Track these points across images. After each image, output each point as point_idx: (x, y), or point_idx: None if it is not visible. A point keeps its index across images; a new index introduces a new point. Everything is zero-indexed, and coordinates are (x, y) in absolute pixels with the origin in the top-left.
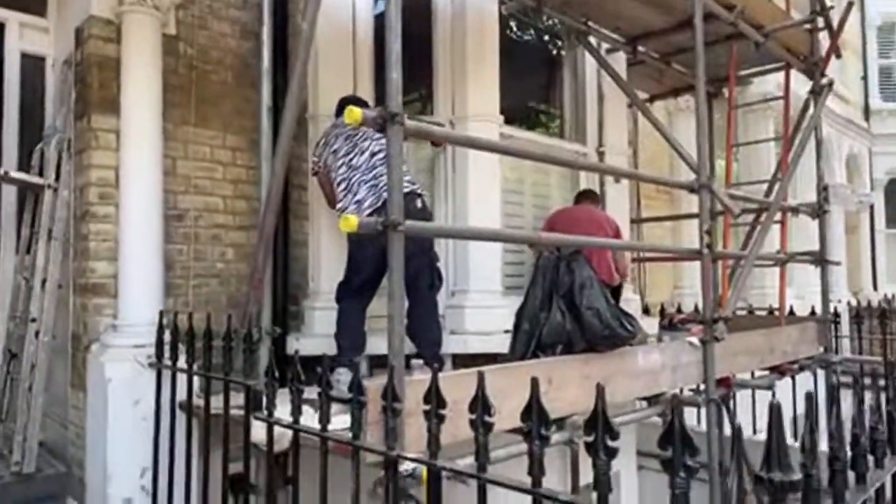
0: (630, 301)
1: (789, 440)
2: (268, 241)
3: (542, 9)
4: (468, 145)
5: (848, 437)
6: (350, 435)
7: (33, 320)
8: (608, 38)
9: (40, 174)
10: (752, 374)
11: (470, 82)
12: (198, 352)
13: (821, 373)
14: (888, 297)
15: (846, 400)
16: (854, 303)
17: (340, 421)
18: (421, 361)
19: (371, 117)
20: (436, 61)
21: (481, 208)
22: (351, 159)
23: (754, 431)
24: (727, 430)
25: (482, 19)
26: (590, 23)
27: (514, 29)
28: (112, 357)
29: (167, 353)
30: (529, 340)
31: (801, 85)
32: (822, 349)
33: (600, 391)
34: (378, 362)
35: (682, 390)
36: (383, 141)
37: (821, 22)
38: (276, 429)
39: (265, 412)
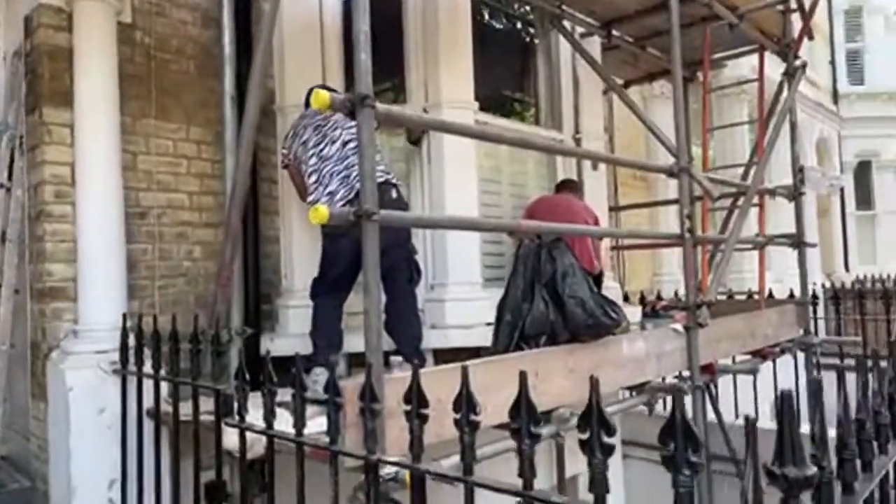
0: (610, 289)
1: (770, 424)
2: (235, 237)
3: None
4: (443, 130)
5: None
6: (327, 439)
7: None
8: (583, 21)
9: None
10: (734, 359)
11: (443, 68)
12: (165, 356)
13: (800, 355)
14: (860, 279)
15: (831, 384)
16: (828, 284)
17: (318, 423)
18: (400, 358)
19: (339, 101)
20: (407, 47)
21: (458, 198)
22: (321, 150)
23: (736, 416)
24: (710, 417)
25: (454, 2)
26: (564, 6)
27: (487, 16)
28: (73, 364)
29: (132, 359)
30: (512, 332)
31: (774, 69)
32: (801, 331)
33: (594, 384)
34: (357, 361)
35: (663, 378)
36: (354, 130)
37: (793, 3)
38: (250, 434)
39: (236, 417)
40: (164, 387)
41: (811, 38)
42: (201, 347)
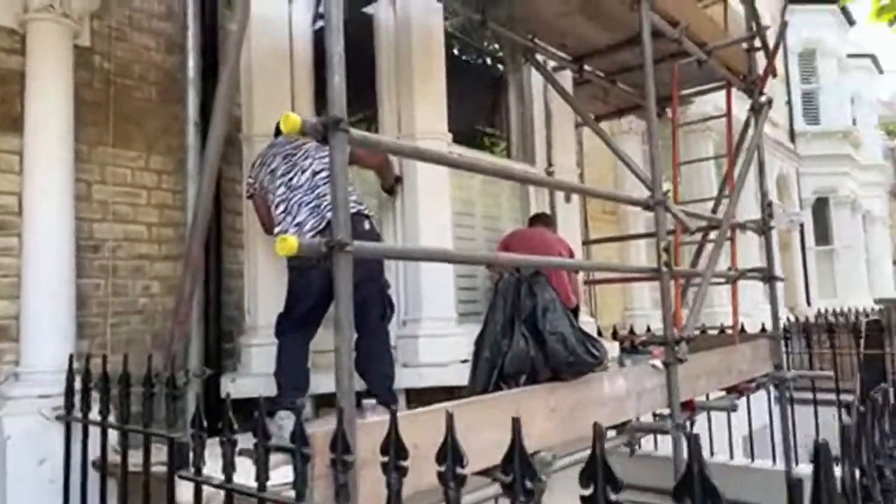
0: (585, 324)
1: (745, 460)
2: (195, 270)
3: (487, 23)
4: (417, 157)
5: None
6: (293, 493)
7: None
8: (555, 56)
9: None
10: (707, 395)
11: (417, 98)
12: (114, 400)
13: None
14: (830, 312)
15: (806, 418)
16: (792, 318)
17: (283, 474)
18: (373, 401)
19: (311, 124)
20: (380, 78)
21: (433, 231)
22: (290, 179)
23: (711, 453)
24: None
25: (428, 33)
26: (536, 40)
27: (458, 51)
28: (12, 410)
29: (78, 404)
30: (491, 370)
31: (739, 106)
32: (774, 366)
33: (598, 433)
34: (324, 401)
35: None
36: (326, 160)
37: (757, 42)
38: (206, 488)
39: (192, 469)
40: (113, 435)
41: (775, 75)
42: (154, 391)
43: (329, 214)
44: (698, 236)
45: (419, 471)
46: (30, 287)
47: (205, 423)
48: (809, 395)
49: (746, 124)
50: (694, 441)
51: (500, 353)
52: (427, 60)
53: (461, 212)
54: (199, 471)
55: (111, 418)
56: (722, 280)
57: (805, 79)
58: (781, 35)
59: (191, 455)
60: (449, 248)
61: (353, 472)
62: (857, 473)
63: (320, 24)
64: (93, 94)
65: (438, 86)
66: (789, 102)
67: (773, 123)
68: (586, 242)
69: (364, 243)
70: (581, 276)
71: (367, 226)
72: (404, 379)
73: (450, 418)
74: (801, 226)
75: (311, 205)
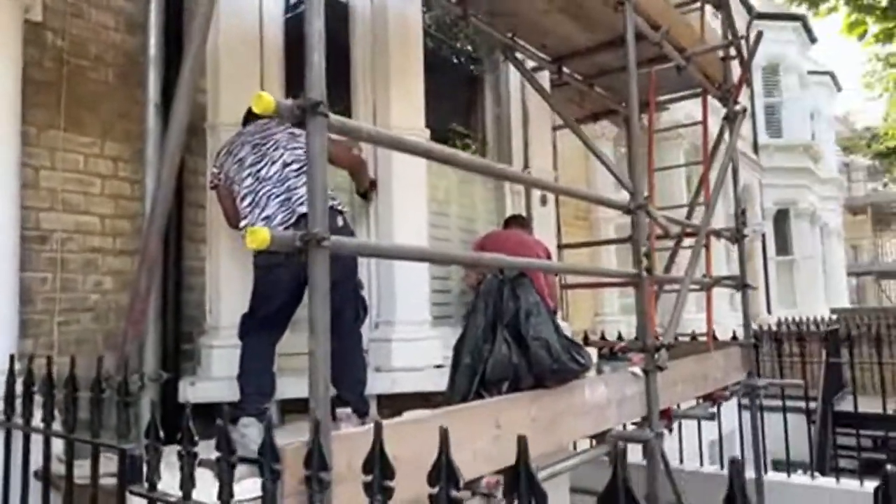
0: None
1: (713, 467)
2: (152, 264)
3: (467, 17)
4: (396, 147)
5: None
6: None
7: None
8: (534, 56)
9: None
10: (678, 404)
11: (393, 92)
12: (59, 405)
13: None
14: (782, 321)
15: (776, 424)
16: (755, 327)
17: (247, 488)
18: (349, 409)
19: (287, 106)
20: (354, 70)
21: (408, 230)
22: (259, 170)
23: (681, 461)
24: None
25: (405, 23)
26: (516, 38)
27: (433, 49)
28: None
29: (19, 409)
30: (472, 377)
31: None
32: (746, 374)
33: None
34: (290, 407)
35: (624, 426)
36: (298, 151)
37: (733, 51)
38: None
39: (145, 484)
40: (58, 443)
41: (749, 84)
42: (105, 396)
43: (300, 209)
44: (671, 243)
45: (400, 486)
46: None
47: (161, 434)
48: (777, 403)
49: (720, 133)
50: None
51: (481, 359)
52: (404, 52)
53: (436, 212)
54: (153, 486)
55: (56, 425)
56: (696, 287)
57: (768, 92)
58: (756, 45)
59: (144, 468)
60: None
61: (328, 491)
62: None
63: (291, 14)
64: (43, 74)
65: (416, 79)
66: (753, 115)
67: (739, 135)
68: (561, 247)
69: (343, 238)
70: (558, 280)
71: (340, 222)
72: (376, 384)
73: (444, 434)
74: (763, 236)
75: (280, 198)
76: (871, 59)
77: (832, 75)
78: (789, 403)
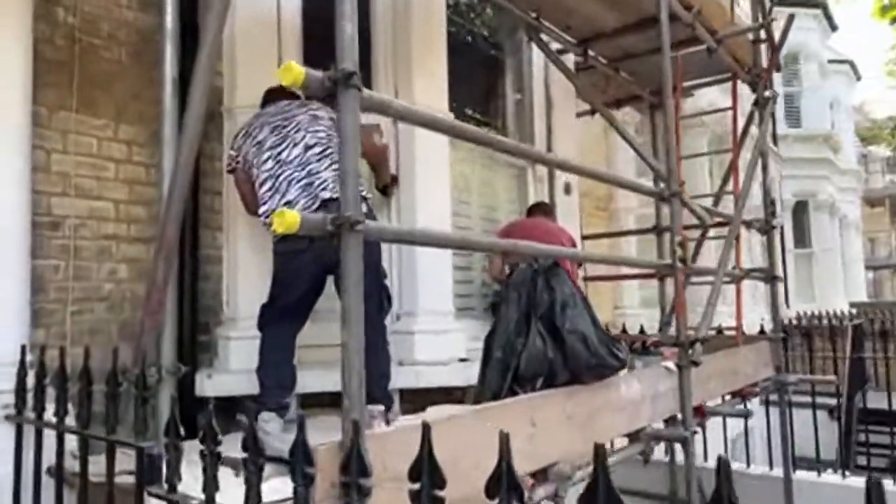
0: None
1: (739, 465)
2: (170, 252)
3: None
4: (429, 125)
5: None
6: None
7: None
8: (559, 37)
9: None
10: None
11: (416, 73)
12: (73, 399)
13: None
14: (801, 315)
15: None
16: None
17: (273, 487)
18: (381, 407)
19: (317, 79)
20: (375, 50)
21: (431, 216)
22: (280, 153)
23: (705, 458)
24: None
25: (428, 1)
26: (541, 19)
27: (453, 33)
28: None
29: (31, 402)
30: (505, 372)
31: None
32: (775, 369)
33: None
34: (310, 401)
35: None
36: (320, 133)
37: (762, 34)
38: None
39: (165, 486)
40: (72, 438)
41: (779, 69)
42: (121, 390)
43: (323, 194)
44: (696, 233)
45: None
46: None
47: (181, 431)
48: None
49: (749, 120)
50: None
51: (514, 354)
52: (427, 30)
53: (458, 200)
54: (173, 488)
55: (69, 420)
56: (727, 279)
57: (787, 81)
58: (788, 28)
59: (164, 468)
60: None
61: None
62: None
63: None
64: (55, 52)
65: (439, 58)
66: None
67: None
68: (585, 237)
69: (377, 223)
70: (580, 271)
71: (364, 208)
72: (399, 378)
73: (505, 440)
74: (781, 228)
75: (301, 182)
76: (894, 46)
77: (852, 64)
78: (804, 399)
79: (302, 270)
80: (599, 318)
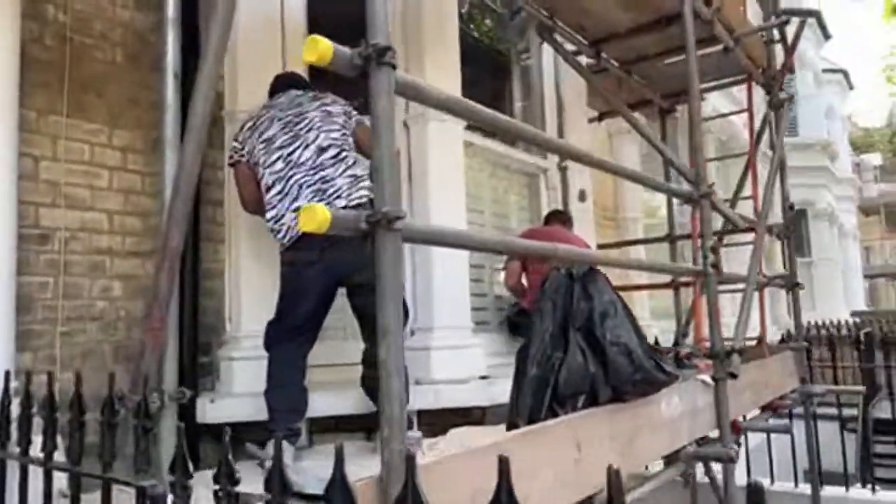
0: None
1: (762, 480)
2: (173, 265)
3: None
4: (468, 115)
5: None
6: None
7: None
8: (572, 38)
9: None
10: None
11: (428, 69)
12: (63, 430)
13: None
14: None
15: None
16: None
17: None
18: (418, 433)
19: (346, 56)
20: None
21: (445, 223)
22: (290, 153)
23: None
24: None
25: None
26: (556, 19)
27: (467, 34)
28: None
29: (15, 435)
30: (543, 390)
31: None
32: (800, 380)
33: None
34: (320, 426)
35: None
36: (334, 134)
37: (776, 34)
38: None
39: None
40: (62, 476)
41: (792, 71)
42: (116, 421)
43: (338, 202)
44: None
45: None
46: None
47: (190, 468)
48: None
49: (763, 122)
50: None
51: (552, 370)
52: (439, 24)
53: (470, 208)
54: None
55: (58, 455)
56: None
57: (783, 89)
58: (801, 28)
59: None
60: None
61: None
62: None
63: None
64: (44, 52)
65: (451, 55)
66: None
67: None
68: (600, 246)
69: (416, 223)
70: None
71: None
72: (417, 399)
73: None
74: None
75: (313, 187)
76: (893, 52)
77: (845, 73)
78: (821, 411)
79: (311, 282)
80: None
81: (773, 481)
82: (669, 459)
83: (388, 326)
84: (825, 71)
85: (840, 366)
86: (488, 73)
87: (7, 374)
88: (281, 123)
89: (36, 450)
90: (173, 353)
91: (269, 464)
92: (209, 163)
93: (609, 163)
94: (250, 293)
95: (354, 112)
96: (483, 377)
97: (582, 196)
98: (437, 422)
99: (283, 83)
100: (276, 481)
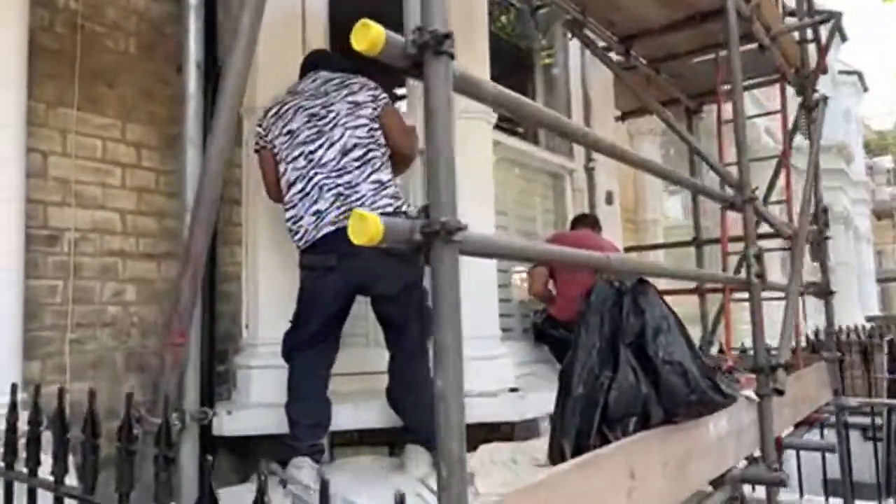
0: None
1: (791, 496)
2: (196, 273)
3: None
4: (520, 111)
5: None
6: None
7: None
8: (602, 34)
9: None
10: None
11: (458, 55)
12: (74, 448)
13: None
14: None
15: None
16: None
17: None
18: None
19: (399, 44)
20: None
21: (474, 227)
22: (313, 150)
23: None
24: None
25: None
26: (586, 14)
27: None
28: None
29: (22, 454)
30: (592, 411)
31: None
32: (833, 392)
33: None
34: (342, 439)
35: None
36: (360, 131)
37: (809, 33)
38: None
39: None
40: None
41: (825, 71)
42: (135, 448)
43: (362, 209)
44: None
45: None
46: None
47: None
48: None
49: (795, 123)
50: None
51: (600, 389)
52: (468, 16)
53: (495, 210)
54: None
55: (69, 479)
56: (781, 295)
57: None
58: (835, 27)
59: None
60: None
61: None
62: None
63: None
64: (55, 41)
65: (481, 48)
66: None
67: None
68: (629, 249)
69: (474, 234)
70: None
71: None
72: None
73: None
74: None
75: (334, 191)
76: None
77: (860, 75)
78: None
79: (328, 290)
80: None
81: (801, 494)
82: (715, 483)
83: (447, 352)
84: (841, 72)
85: (874, 376)
86: (508, 70)
87: (14, 387)
88: (305, 116)
89: (44, 471)
90: (194, 367)
91: (291, 486)
92: (225, 159)
93: (657, 165)
94: (269, 298)
95: (383, 96)
96: (512, 389)
97: (609, 198)
98: (468, 437)
99: (312, 62)
100: None
